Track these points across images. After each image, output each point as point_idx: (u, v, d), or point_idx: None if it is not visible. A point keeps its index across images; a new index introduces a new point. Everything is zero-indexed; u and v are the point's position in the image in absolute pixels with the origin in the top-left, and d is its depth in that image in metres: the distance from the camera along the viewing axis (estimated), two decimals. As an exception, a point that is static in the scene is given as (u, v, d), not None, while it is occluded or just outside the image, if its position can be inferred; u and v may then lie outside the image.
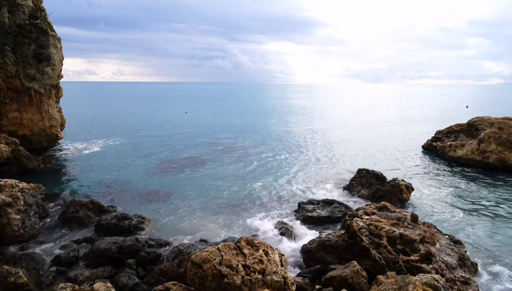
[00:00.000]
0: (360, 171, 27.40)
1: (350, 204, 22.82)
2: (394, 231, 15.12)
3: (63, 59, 37.16)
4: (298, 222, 20.65)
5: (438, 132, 42.14)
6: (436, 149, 38.83)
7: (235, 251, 11.72)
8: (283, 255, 12.94)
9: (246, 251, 11.74)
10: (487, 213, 22.35)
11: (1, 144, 30.51)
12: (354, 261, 13.78)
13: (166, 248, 16.70)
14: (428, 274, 11.69)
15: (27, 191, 20.51)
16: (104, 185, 27.73)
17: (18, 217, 17.98)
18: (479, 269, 15.48)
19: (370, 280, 13.33)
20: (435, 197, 25.46)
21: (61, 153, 38.63)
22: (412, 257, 13.97)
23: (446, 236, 16.54)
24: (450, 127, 41.51)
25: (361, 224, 15.55)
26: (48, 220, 20.69)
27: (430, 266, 13.66)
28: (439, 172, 32.35)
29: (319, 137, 51.24)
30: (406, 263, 13.83)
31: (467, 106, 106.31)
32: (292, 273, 14.50)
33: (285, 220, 20.89)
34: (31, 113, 35.07)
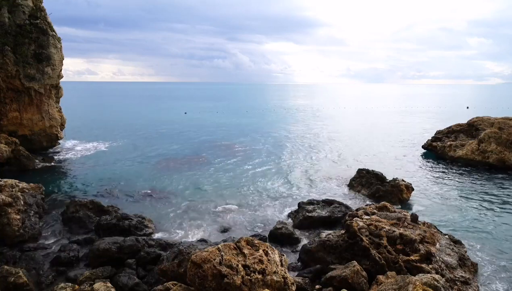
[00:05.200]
0: (360, 171, 27.41)
1: (350, 204, 22.82)
2: (394, 231, 15.12)
3: (63, 59, 37.14)
4: (298, 222, 20.63)
5: (438, 132, 42.11)
6: (436, 149, 38.81)
7: (235, 251, 11.71)
8: (283, 255, 12.94)
9: (246, 251, 11.73)
10: (487, 213, 22.35)
11: (1, 145, 30.51)
12: (354, 261, 13.78)
13: (166, 248, 16.68)
14: (428, 274, 11.70)
15: (27, 191, 20.49)
16: (104, 185, 27.72)
17: (18, 217, 17.97)
18: (479, 269, 15.48)
19: (370, 280, 13.33)
20: (435, 197, 25.45)
21: (61, 152, 38.62)
22: (412, 257, 13.97)
23: (446, 236, 16.53)
24: (450, 127, 41.48)
25: (361, 224, 15.55)
26: (48, 220, 20.69)
27: (430, 266, 13.66)
28: (439, 172, 32.34)
29: (319, 137, 51.24)
30: (406, 263, 13.83)
31: (467, 107, 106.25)
32: (292, 273, 14.50)
33: (285, 220, 20.89)
34: (31, 113, 35.06)
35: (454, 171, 32.54)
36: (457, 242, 16.49)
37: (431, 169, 33.54)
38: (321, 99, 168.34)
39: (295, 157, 38.58)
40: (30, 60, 33.57)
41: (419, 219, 17.10)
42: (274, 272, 11.45)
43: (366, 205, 19.55)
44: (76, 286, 12.74)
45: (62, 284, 12.76)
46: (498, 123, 34.74)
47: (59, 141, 39.91)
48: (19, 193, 19.36)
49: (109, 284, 12.39)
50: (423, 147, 41.79)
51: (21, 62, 32.94)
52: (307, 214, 20.78)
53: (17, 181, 20.60)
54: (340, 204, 22.00)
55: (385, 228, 15.40)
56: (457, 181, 29.36)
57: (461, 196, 25.51)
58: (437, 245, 15.13)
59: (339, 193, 26.39)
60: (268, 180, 29.60)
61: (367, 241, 14.65)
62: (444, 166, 34.25)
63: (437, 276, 11.44)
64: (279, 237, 18.47)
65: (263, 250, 12.03)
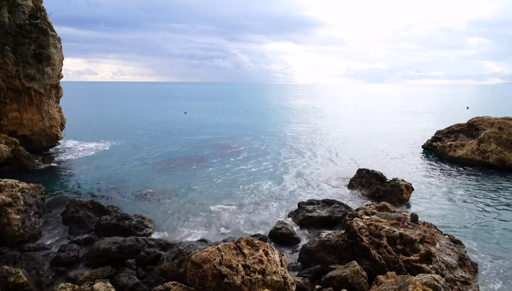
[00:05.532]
0: (360, 171, 27.41)
1: (350, 204, 22.83)
2: (394, 231, 15.11)
3: (63, 59, 37.14)
4: (298, 222, 20.64)
5: (438, 132, 42.14)
6: (436, 149, 38.83)
7: (235, 251, 11.71)
8: (283, 255, 12.94)
9: (246, 251, 11.73)
10: (487, 213, 22.35)
11: (1, 145, 30.51)
12: (354, 261, 13.78)
13: (166, 248, 16.68)
14: (428, 274, 11.70)
15: (27, 191, 20.47)
16: (104, 185, 27.72)
17: (18, 217, 17.97)
18: (479, 269, 15.48)
19: (370, 280, 13.33)
20: (435, 197, 25.45)
21: (61, 153, 38.62)
22: (412, 257, 13.97)
23: (446, 236, 16.53)
24: (450, 127, 41.51)
25: (361, 224, 15.55)
26: (48, 220, 20.68)
27: (430, 266, 13.66)
28: (439, 172, 32.34)
29: (319, 138, 51.24)
30: (406, 263, 13.83)
31: (467, 107, 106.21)
32: (292, 273, 14.50)
33: (285, 220, 20.89)
34: (31, 113, 35.06)
35: (454, 171, 32.54)
36: (457, 242, 16.49)
37: (431, 169, 33.54)
38: (321, 99, 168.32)
39: (295, 156, 38.57)
40: (30, 60, 33.57)
41: (419, 219, 17.10)
42: (274, 272, 11.45)
43: (366, 205, 19.54)
44: (76, 286, 12.74)
45: (62, 284, 12.76)
46: (498, 123, 34.75)
47: (59, 141, 39.91)
48: (19, 193, 19.36)
49: (109, 284, 12.39)
50: (423, 146, 41.82)
51: (21, 62, 32.94)
52: (307, 214, 20.79)
53: (17, 181, 20.59)
54: (340, 204, 22.01)
55: (385, 228, 15.40)
56: (457, 181, 29.35)
57: (461, 196, 25.50)
58: (437, 245, 15.14)
59: (339, 193, 26.39)
60: (268, 179, 29.59)
61: (367, 241, 14.65)
62: (444, 166, 34.25)
63: (437, 276, 11.44)
64: (279, 237, 18.48)
65: (263, 250, 12.03)
